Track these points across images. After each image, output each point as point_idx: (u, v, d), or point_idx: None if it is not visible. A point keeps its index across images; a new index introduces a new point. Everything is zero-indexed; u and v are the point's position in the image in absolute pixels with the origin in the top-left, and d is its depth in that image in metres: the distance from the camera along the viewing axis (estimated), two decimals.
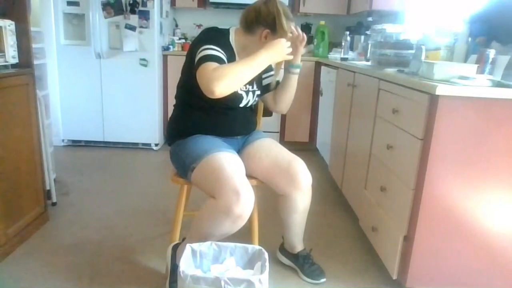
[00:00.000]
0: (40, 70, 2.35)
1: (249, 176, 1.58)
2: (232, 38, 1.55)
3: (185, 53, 3.93)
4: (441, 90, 1.32)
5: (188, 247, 1.34)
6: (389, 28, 2.27)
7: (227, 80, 1.32)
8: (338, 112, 2.77)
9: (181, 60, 4.00)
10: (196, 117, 1.57)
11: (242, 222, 1.35)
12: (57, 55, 3.43)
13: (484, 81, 1.40)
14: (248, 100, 1.62)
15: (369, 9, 3.18)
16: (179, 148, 1.57)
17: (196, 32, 4.00)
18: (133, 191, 2.64)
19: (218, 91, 1.31)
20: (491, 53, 1.53)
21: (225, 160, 1.41)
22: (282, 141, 3.73)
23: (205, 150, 1.46)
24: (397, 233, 1.59)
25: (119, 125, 3.60)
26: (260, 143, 1.68)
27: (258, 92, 1.66)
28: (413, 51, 1.96)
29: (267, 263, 1.28)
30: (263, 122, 1.97)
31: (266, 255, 1.32)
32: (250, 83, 1.62)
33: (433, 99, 1.38)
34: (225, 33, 1.55)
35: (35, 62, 2.01)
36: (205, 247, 1.36)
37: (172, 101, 3.69)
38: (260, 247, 1.37)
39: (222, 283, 1.17)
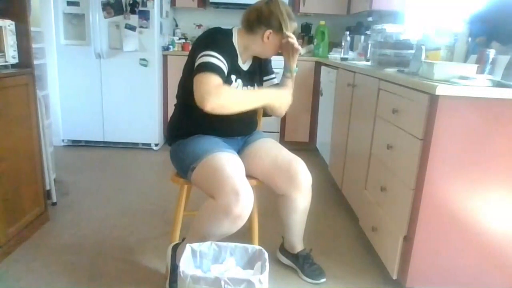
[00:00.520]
0: (40, 70, 2.35)
1: (249, 176, 1.58)
2: (235, 38, 1.55)
3: (185, 53, 3.95)
4: (441, 90, 1.32)
5: (188, 247, 1.34)
6: (389, 28, 2.27)
7: (223, 102, 1.36)
8: (338, 112, 2.77)
9: (181, 60, 3.99)
10: (197, 117, 1.57)
11: (241, 223, 1.35)
12: (57, 55, 3.43)
13: (484, 81, 1.40)
14: None
15: (369, 9, 3.18)
16: (179, 148, 1.57)
17: (196, 32, 4.01)
18: (133, 191, 2.64)
19: (210, 108, 1.35)
20: (491, 53, 1.53)
21: (225, 160, 1.41)
22: (282, 141, 3.73)
23: (205, 150, 1.46)
24: (397, 233, 1.59)
25: (119, 125, 3.60)
26: (260, 143, 1.68)
27: None
28: (413, 51, 1.96)
29: (267, 263, 1.28)
30: (263, 122, 1.97)
31: (266, 255, 1.32)
32: (252, 83, 1.62)
33: (433, 99, 1.38)
34: (228, 34, 1.54)
35: (35, 62, 2.01)
36: (205, 247, 1.36)
37: (172, 101, 3.70)
38: (260, 247, 1.37)
39: (222, 283, 1.17)
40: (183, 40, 3.82)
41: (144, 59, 3.45)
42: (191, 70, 1.47)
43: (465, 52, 1.79)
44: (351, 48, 3.34)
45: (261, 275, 1.21)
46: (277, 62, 1.77)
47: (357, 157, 2.23)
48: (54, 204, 2.34)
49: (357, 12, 3.55)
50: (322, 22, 3.72)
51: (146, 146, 3.70)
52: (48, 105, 2.52)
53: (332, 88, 2.94)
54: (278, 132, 3.76)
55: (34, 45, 1.99)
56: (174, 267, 1.52)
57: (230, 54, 1.49)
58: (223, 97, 1.36)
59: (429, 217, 1.48)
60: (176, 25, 4.07)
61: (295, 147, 3.27)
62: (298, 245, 1.78)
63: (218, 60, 1.42)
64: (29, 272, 1.68)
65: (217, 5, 3.88)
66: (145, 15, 3.34)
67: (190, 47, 3.91)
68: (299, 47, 1.59)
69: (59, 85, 3.50)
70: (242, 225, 1.36)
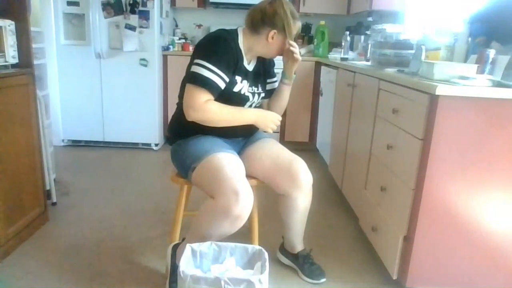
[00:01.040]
0: (40, 70, 2.35)
1: (250, 176, 1.58)
2: (240, 39, 1.53)
3: (185, 53, 3.95)
4: (441, 90, 1.32)
5: (188, 247, 1.34)
6: (389, 28, 2.27)
7: (206, 119, 1.44)
8: (338, 112, 2.77)
9: (181, 60, 3.99)
10: None
11: (241, 223, 1.35)
12: (57, 55, 3.43)
13: (484, 81, 1.40)
14: (253, 101, 1.62)
15: (369, 9, 3.18)
16: (180, 148, 1.56)
17: (196, 32, 4.01)
18: (133, 191, 2.64)
19: (194, 118, 1.44)
20: (491, 53, 1.53)
21: (225, 161, 1.41)
22: (282, 141, 3.73)
23: (205, 150, 1.46)
24: (397, 233, 1.59)
25: (119, 125, 3.60)
26: (261, 143, 1.68)
27: (262, 95, 1.66)
28: (413, 51, 1.96)
29: (267, 263, 1.28)
30: None
31: (266, 255, 1.32)
32: (256, 84, 1.61)
33: (433, 99, 1.38)
34: (233, 36, 1.51)
35: (35, 62, 2.01)
36: (205, 247, 1.36)
37: (172, 101, 3.72)
38: (260, 247, 1.37)
39: (222, 283, 1.17)
40: (183, 40, 3.82)
41: (144, 59, 3.45)
42: None
43: (465, 52, 1.79)
44: (351, 48, 3.34)
45: (261, 275, 1.21)
46: (277, 62, 1.77)
47: (357, 157, 2.23)
48: (54, 204, 2.34)
49: (357, 12, 3.55)
50: (322, 22, 3.71)
51: (146, 146, 3.70)
52: (48, 105, 2.52)
53: (332, 88, 2.94)
54: (278, 132, 3.76)
55: (34, 45, 1.99)
56: (174, 267, 1.52)
57: (235, 58, 1.47)
58: (207, 114, 1.43)
59: (429, 217, 1.48)
60: (176, 25, 4.07)
61: (295, 147, 3.27)
62: (298, 245, 1.78)
63: (212, 73, 1.41)
64: (29, 272, 1.68)
65: (217, 5, 3.88)
66: (145, 15, 3.34)
67: (190, 47, 3.92)
68: (299, 58, 1.59)
69: (59, 85, 3.50)
70: (241, 226, 1.36)
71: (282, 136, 3.78)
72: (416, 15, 2.92)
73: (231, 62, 1.46)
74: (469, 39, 1.78)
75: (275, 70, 1.75)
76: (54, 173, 2.53)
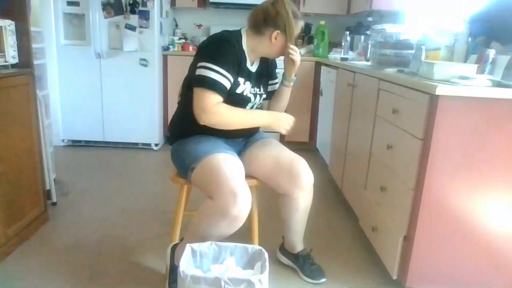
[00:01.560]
0: (40, 70, 2.35)
1: (251, 176, 1.58)
2: (244, 41, 1.53)
3: (185, 53, 3.95)
4: (441, 90, 1.32)
5: (188, 247, 1.34)
6: (389, 28, 2.27)
7: (217, 121, 1.44)
8: (338, 112, 2.77)
9: (181, 60, 3.98)
10: None
11: (239, 224, 1.35)
12: (57, 55, 3.43)
13: (484, 81, 1.40)
14: (254, 102, 1.62)
15: (369, 9, 3.18)
16: (180, 148, 1.56)
17: (196, 32, 4.01)
18: (133, 191, 2.64)
19: (204, 123, 1.44)
20: (491, 53, 1.53)
21: (224, 161, 1.41)
22: (282, 141, 3.72)
23: (205, 151, 1.46)
24: (397, 233, 1.58)
25: (119, 125, 3.60)
26: (262, 143, 1.68)
27: (264, 96, 1.66)
28: (413, 51, 1.96)
29: (267, 263, 1.28)
30: None
31: (266, 255, 1.32)
32: (258, 86, 1.62)
33: (433, 99, 1.38)
34: (237, 38, 1.51)
35: (35, 62, 2.01)
36: (205, 247, 1.36)
37: (172, 101, 3.72)
38: (260, 247, 1.37)
39: (222, 283, 1.17)
40: (183, 40, 3.82)
41: (144, 59, 3.45)
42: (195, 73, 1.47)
43: (465, 52, 1.79)
44: (351, 48, 3.34)
45: (261, 275, 1.21)
46: (279, 63, 1.77)
47: (357, 157, 2.23)
48: (54, 204, 2.34)
49: (357, 12, 3.55)
50: (322, 22, 3.71)
51: (146, 146, 3.70)
52: (48, 105, 2.52)
53: (332, 88, 2.94)
54: (277, 132, 3.75)
55: (34, 45, 1.99)
56: (174, 267, 1.52)
57: (239, 59, 1.47)
58: (219, 117, 1.43)
59: (429, 217, 1.48)
60: (176, 25, 4.07)
61: (295, 147, 3.26)
62: (298, 245, 1.78)
63: (219, 75, 1.41)
64: (29, 272, 1.68)
65: (217, 5, 3.88)
66: (145, 15, 3.33)
67: (190, 47, 3.91)
68: (299, 60, 1.59)
69: (59, 85, 3.50)
70: (239, 227, 1.36)
71: (282, 136, 3.78)
72: (416, 15, 2.92)
73: (235, 63, 1.46)
74: (469, 39, 1.78)
75: (277, 71, 1.75)
76: (54, 173, 2.53)
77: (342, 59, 2.98)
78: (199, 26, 4.02)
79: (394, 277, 1.62)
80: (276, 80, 1.74)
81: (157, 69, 3.50)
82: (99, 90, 3.52)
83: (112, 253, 1.86)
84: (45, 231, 2.04)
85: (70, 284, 1.62)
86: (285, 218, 1.72)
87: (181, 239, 1.58)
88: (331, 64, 3.07)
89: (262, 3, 1.54)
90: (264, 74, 1.65)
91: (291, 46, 1.55)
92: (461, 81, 1.39)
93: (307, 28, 4.05)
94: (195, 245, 1.36)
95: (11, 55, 1.81)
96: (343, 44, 3.03)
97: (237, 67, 1.47)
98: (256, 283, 1.17)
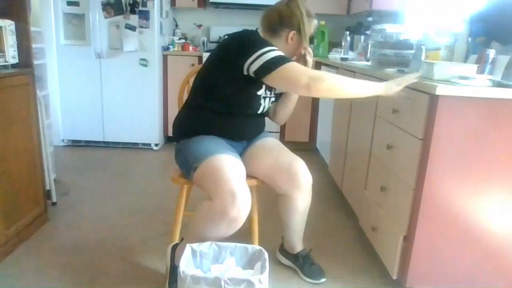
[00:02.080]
0: (40, 70, 2.35)
1: (251, 175, 1.58)
2: None
3: (185, 53, 3.94)
4: (441, 90, 1.32)
5: (188, 247, 1.34)
6: (389, 28, 2.26)
7: (331, 82, 1.33)
8: (338, 112, 2.77)
9: (181, 60, 3.98)
10: (209, 119, 1.55)
11: (237, 225, 1.34)
12: (57, 55, 3.43)
13: (484, 81, 1.40)
14: (264, 106, 1.61)
15: (369, 9, 3.18)
16: (184, 147, 1.55)
17: (196, 32, 4.01)
18: (133, 191, 2.64)
19: (321, 88, 1.32)
20: (491, 53, 1.53)
21: (226, 163, 1.41)
22: (282, 141, 3.73)
23: (209, 151, 1.46)
24: (397, 233, 1.59)
25: (119, 125, 3.60)
26: (263, 143, 1.67)
27: (273, 99, 1.66)
28: (413, 51, 1.95)
29: (267, 263, 1.28)
30: None
31: (266, 255, 1.32)
32: (270, 89, 1.60)
33: (433, 99, 1.38)
34: (259, 35, 1.51)
35: (35, 62, 2.01)
36: (205, 247, 1.36)
37: (172, 101, 3.72)
38: (260, 247, 1.37)
39: (222, 283, 1.17)
40: (183, 40, 3.82)
41: (144, 59, 3.45)
42: (214, 70, 1.47)
43: (465, 52, 1.78)
44: (351, 48, 3.34)
45: (261, 275, 1.21)
46: None
47: (357, 157, 2.23)
48: (54, 204, 2.34)
49: (357, 12, 3.55)
50: (322, 22, 3.71)
51: (146, 146, 3.70)
52: (48, 105, 2.52)
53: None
54: (278, 132, 3.76)
55: (34, 45, 1.99)
56: (174, 267, 1.52)
57: None
58: (328, 78, 1.33)
59: (429, 217, 1.48)
60: (176, 25, 4.07)
61: (295, 147, 3.27)
62: (298, 245, 1.78)
63: (281, 52, 1.40)
64: (29, 272, 1.68)
65: (217, 5, 3.88)
66: (145, 15, 3.34)
67: (190, 47, 3.90)
68: (311, 63, 1.59)
69: (59, 85, 3.50)
70: (238, 228, 1.36)
71: (282, 136, 3.78)
72: (416, 15, 2.92)
73: None
74: (469, 39, 1.78)
75: None
76: (54, 173, 2.53)
77: (342, 59, 2.98)
78: (199, 26, 4.02)
79: (394, 277, 1.62)
80: None
81: (157, 69, 3.50)
82: (99, 90, 3.52)
83: (112, 253, 1.86)
84: (45, 231, 2.04)
85: (70, 284, 1.62)
86: (284, 219, 1.72)
87: (181, 239, 1.58)
88: (331, 64, 3.07)
89: (275, 4, 1.54)
90: None
91: (308, 48, 1.56)
92: (461, 81, 1.39)
93: None
94: (195, 245, 1.36)
95: (11, 55, 1.81)
96: (343, 44, 3.02)
97: None
98: (256, 283, 1.17)
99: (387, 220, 1.70)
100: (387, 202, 1.73)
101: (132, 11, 3.32)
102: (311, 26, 1.54)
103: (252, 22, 4.04)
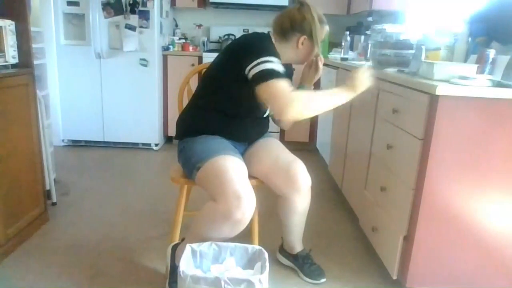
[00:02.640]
0: (40, 70, 2.35)
1: (250, 176, 1.58)
2: (274, 45, 1.50)
3: (185, 53, 3.94)
4: (441, 90, 1.32)
5: (188, 247, 1.34)
6: (389, 28, 2.27)
7: (305, 105, 1.31)
8: (338, 112, 2.76)
9: (181, 60, 3.98)
10: (214, 119, 1.55)
11: (241, 227, 1.34)
12: (57, 55, 3.43)
13: (484, 81, 1.40)
14: (270, 109, 1.62)
15: (369, 9, 3.18)
16: (187, 146, 1.55)
17: (196, 32, 4.01)
18: (133, 191, 2.64)
19: (293, 113, 1.29)
20: (491, 53, 1.53)
21: (229, 164, 1.40)
22: (282, 141, 3.72)
23: (212, 151, 1.45)
24: (397, 233, 1.58)
25: (119, 125, 3.60)
26: (263, 143, 1.67)
27: None
28: (413, 51, 1.95)
29: (267, 263, 1.28)
30: None
31: (266, 255, 1.32)
32: None
33: (433, 99, 1.38)
34: (270, 40, 1.50)
35: (35, 62, 2.01)
36: (205, 247, 1.37)
37: (172, 101, 3.72)
38: (260, 247, 1.37)
39: (222, 283, 1.17)
40: (183, 40, 3.82)
41: (144, 59, 3.45)
42: (223, 71, 1.47)
43: (465, 52, 1.79)
44: (351, 48, 3.34)
45: (261, 275, 1.21)
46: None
47: (357, 157, 2.22)
48: (54, 204, 2.34)
49: (357, 12, 3.55)
50: None
51: (146, 146, 3.70)
52: (48, 105, 2.52)
53: (332, 88, 2.93)
54: (278, 132, 3.76)
55: (34, 45, 1.99)
56: (174, 267, 1.51)
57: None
58: (302, 102, 1.31)
59: (429, 217, 1.48)
60: (176, 25, 4.07)
61: (295, 147, 3.27)
62: (297, 246, 1.78)
63: (278, 64, 1.36)
64: (29, 272, 1.68)
65: (217, 5, 3.88)
66: (145, 15, 3.34)
67: (190, 47, 3.90)
68: (321, 70, 1.60)
69: (59, 85, 3.50)
70: (241, 230, 1.35)
71: (282, 136, 3.78)
72: (416, 15, 2.92)
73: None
74: (469, 39, 1.78)
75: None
76: (54, 173, 2.53)
77: (342, 59, 2.98)
78: (199, 26, 4.02)
79: (394, 277, 1.62)
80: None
81: (157, 69, 3.50)
82: (99, 90, 3.52)
83: (112, 253, 1.86)
84: (45, 231, 2.04)
85: (70, 284, 1.62)
86: (283, 220, 1.72)
87: (182, 239, 1.57)
88: (331, 64, 3.07)
89: (287, 9, 1.53)
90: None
91: (321, 56, 1.56)
92: (461, 81, 1.39)
93: None
94: (195, 245, 1.36)
95: (11, 55, 1.81)
96: (343, 44, 3.03)
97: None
98: (256, 283, 1.17)
99: (387, 220, 1.70)
100: (387, 202, 1.73)
101: (132, 11, 3.32)
102: (322, 32, 1.53)
103: (252, 22, 4.04)
